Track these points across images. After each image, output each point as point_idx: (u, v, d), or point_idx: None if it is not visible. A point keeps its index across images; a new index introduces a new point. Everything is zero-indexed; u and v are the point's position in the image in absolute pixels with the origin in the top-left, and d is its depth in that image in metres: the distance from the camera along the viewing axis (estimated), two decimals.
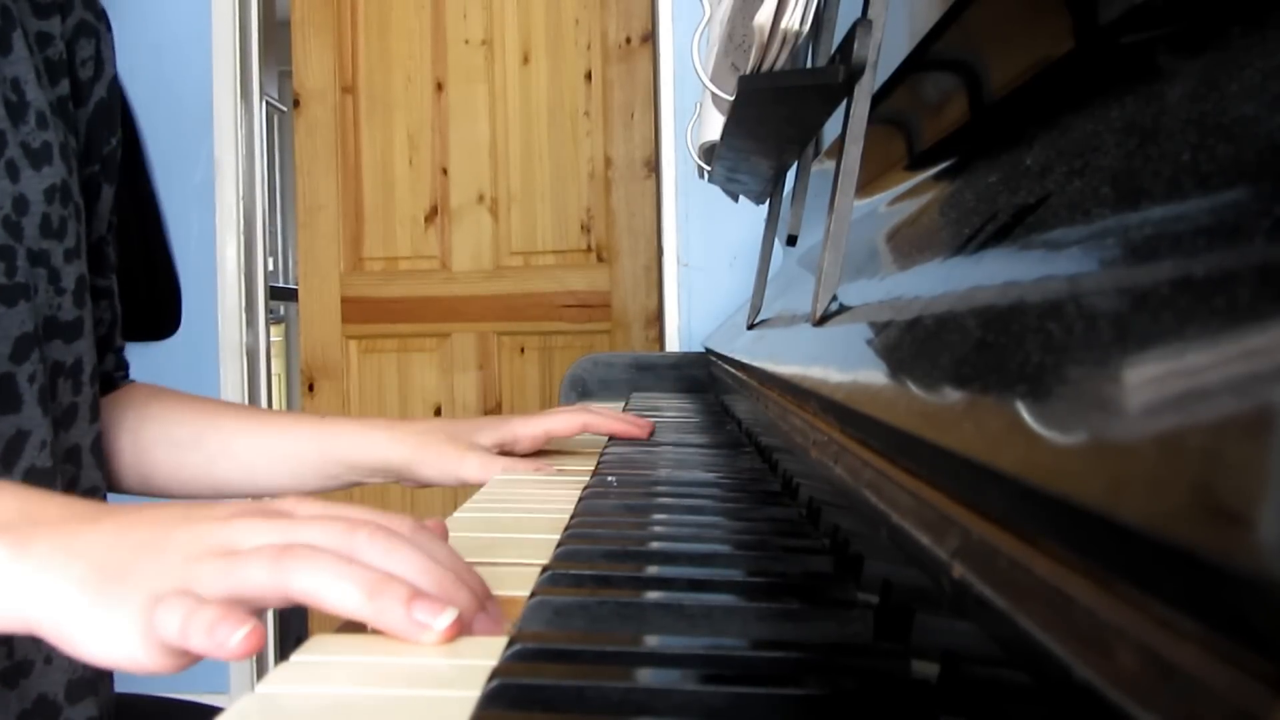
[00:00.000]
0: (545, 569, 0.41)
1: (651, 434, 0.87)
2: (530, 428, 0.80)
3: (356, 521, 0.39)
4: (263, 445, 0.78)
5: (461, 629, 0.35)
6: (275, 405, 3.48)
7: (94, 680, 0.68)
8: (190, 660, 0.37)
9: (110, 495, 0.75)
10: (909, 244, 0.47)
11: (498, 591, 0.40)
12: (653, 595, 0.38)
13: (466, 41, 2.21)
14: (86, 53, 0.72)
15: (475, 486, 0.70)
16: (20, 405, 0.64)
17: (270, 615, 2.22)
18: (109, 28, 0.75)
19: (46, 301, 0.67)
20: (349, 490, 0.88)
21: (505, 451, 0.79)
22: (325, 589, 0.36)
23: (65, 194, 0.68)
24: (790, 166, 0.86)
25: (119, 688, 0.81)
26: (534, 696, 0.29)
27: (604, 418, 0.84)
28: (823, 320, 0.50)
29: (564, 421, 0.81)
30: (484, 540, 0.51)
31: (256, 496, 0.65)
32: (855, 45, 0.48)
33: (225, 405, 0.86)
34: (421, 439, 0.75)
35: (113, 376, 0.81)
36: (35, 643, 0.64)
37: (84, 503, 0.44)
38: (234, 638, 0.34)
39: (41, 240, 0.66)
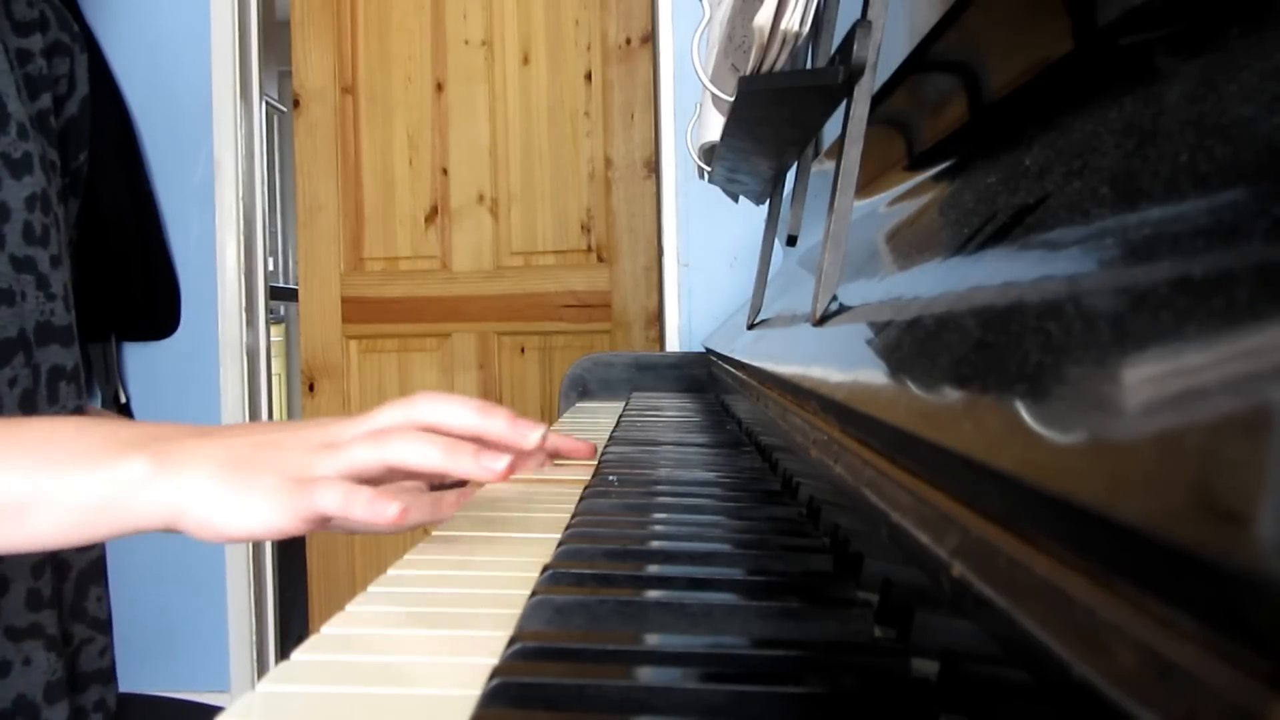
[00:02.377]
0: (546, 568, 0.42)
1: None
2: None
3: (414, 399, 0.53)
4: None
5: (514, 467, 0.49)
6: (276, 405, 3.48)
7: (68, 683, 0.69)
8: (317, 527, 0.47)
9: None
10: (909, 244, 0.47)
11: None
12: (653, 594, 0.38)
13: (466, 42, 2.21)
14: (61, 70, 0.75)
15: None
16: (0, 410, 0.65)
17: (270, 615, 2.22)
18: (83, 49, 0.78)
19: (37, 308, 0.68)
20: None
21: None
22: (413, 453, 0.48)
23: (46, 203, 0.69)
24: (790, 167, 0.86)
25: (131, 687, 0.81)
26: (535, 695, 0.29)
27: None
28: (823, 320, 0.50)
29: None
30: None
31: None
32: (855, 46, 0.48)
33: None
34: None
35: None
36: (14, 644, 0.67)
37: (183, 425, 0.54)
38: (390, 509, 0.45)
39: (26, 247, 0.67)
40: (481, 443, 0.52)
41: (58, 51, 0.74)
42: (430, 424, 0.52)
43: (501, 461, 0.49)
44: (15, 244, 0.67)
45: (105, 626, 0.76)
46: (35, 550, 0.51)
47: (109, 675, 0.76)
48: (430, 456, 0.48)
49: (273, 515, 0.47)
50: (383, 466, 0.49)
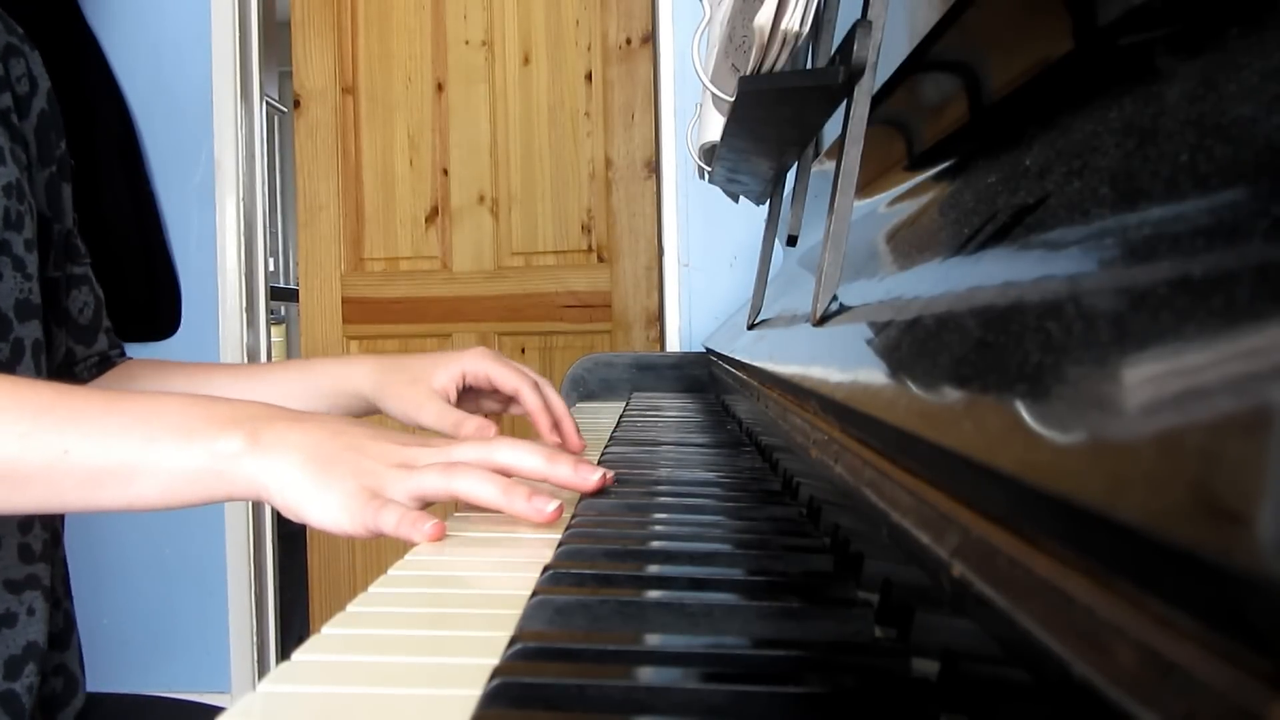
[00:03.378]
0: (546, 568, 0.42)
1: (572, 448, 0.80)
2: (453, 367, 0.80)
3: (492, 441, 0.59)
4: (254, 393, 0.82)
5: (561, 510, 0.55)
6: None
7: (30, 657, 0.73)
8: (375, 534, 0.52)
9: None
10: (909, 244, 0.47)
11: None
12: (654, 594, 0.38)
13: (467, 42, 2.21)
14: (19, 71, 0.78)
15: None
16: None
17: (271, 615, 2.22)
18: (33, 47, 0.81)
19: (16, 287, 0.73)
20: None
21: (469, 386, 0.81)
22: (475, 490, 0.54)
23: (19, 191, 0.73)
24: (790, 167, 0.86)
25: (132, 687, 0.82)
26: (535, 695, 0.29)
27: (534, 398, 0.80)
28: (823, 320, 0.50)
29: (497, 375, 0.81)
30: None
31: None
32: (855, 46, 0.48)
33: (218, 366, 0.94)
34: (386, 376, 0.80)
35: (108, 355, 0.87)
36: (15, 595, 0.72)
37: (278, 407, 0.59)
38: (426, 526, 0.52)
39: (4, 231, 0.71)
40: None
41: (10, 54, 0.77)
42: (503, 466, 0.57)
43: (552, 505, 0.55)
44: None
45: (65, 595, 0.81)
46: (136, 510, 0.56)
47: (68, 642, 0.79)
48: (490, 494, 0.55)
49: (343, 518, 0.53)
50: (449, 496, 0.55)
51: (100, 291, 0.89)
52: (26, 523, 0.73)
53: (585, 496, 0.59)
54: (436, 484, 0.54)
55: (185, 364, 0.88)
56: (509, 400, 0.82)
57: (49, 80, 0.81)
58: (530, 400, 0.79)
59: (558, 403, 0.80)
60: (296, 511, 0.54)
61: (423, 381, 0.79)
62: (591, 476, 0.59)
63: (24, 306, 0.73)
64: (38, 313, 0.74)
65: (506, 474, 0.57)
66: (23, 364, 0.73)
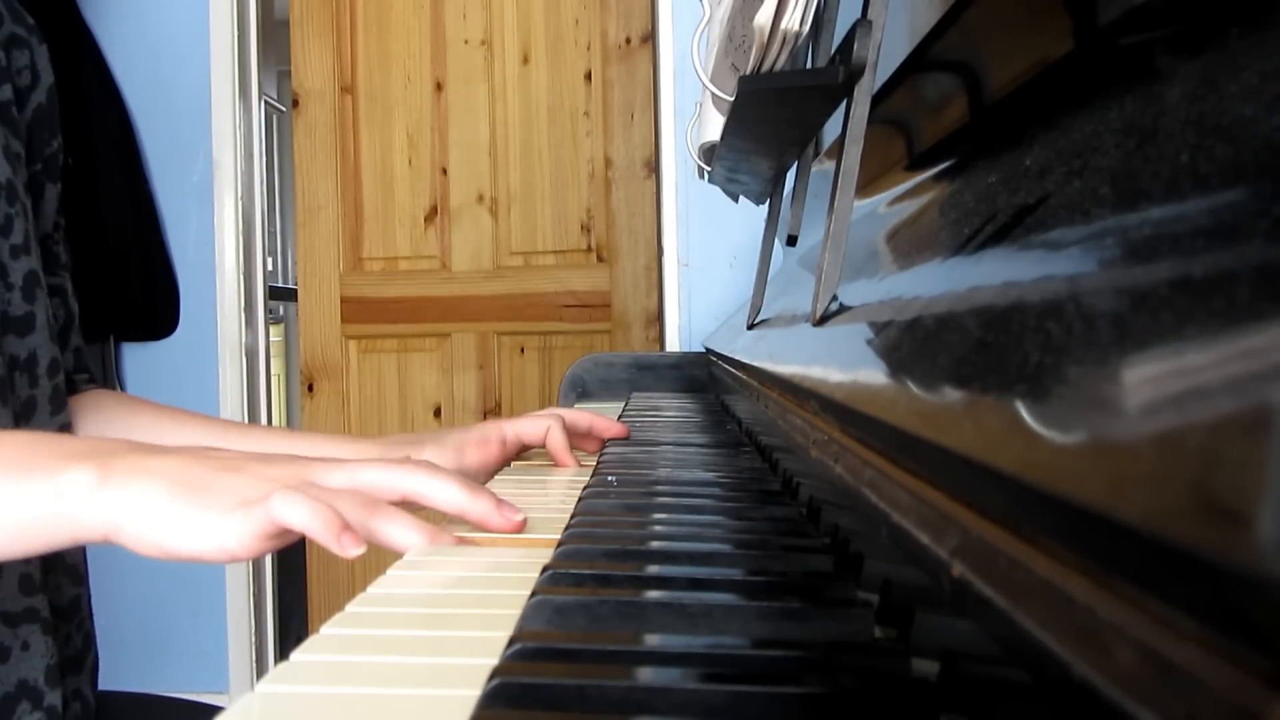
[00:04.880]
0: (546, 568, 0.41)
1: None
2: (484, 450, 0.75)
3: (407, 465, 0.51)
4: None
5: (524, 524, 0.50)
6: (275, 405, 3.48)
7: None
8: (273, 548, 0.45)
9: None
10: (909, 244, 0.47)
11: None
12: (653, 594, 0.38)
13: (466, 41, 2.21)
14: (21, 63, 0.76)
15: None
16: None
17: (270, 616, 2.21)
18: (41, 40, 0.78)
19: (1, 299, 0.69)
20: None
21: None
22: (432, 488, 0.49)
23: (11, 193, 0.70)
24: (790, 167, 0.86)
25: (130, 687, 0.82)
26: (534, 695, 0.29)
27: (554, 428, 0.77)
28: (823, 320, 0.50)
29: (531, 428, 0.77)
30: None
31: None
32: (855, 45, 0.48)
33: (195, 416, 0.83)
34: (388, 454, 0.72)
35: (71, 378, 0.81)
36: (11, 629, 0.67)
37: (137, 441, 0.51)
38: (345, 537, 0.44)
39: None
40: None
41: (15, 44, 0.75)
42: (415, 495, 0.50)
43: (520, 514, 0.50)
44: None
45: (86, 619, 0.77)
46: None
47: (87, 666, 0.77)
48: (452, 495, 0.49)
49: (227, 535, 0.44)
50: (397, 495, 0.49)
51: (75, 306, 0.82)
52: None
53: (585, 497, 0.59)
54: (378, 478, 0.48)
55: (157, 406, 0.81)
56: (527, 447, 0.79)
57: (53, 77, 0.79)
58: (556, 440, 0.76)
59: (581, 420, 0.81)
60: (156, 542, 0.45)
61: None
62: (515, 517, 0.51)
63: (2, 319, 0.69)
64: (18, 325, 0.70)
65: (419, 504, 0.51)
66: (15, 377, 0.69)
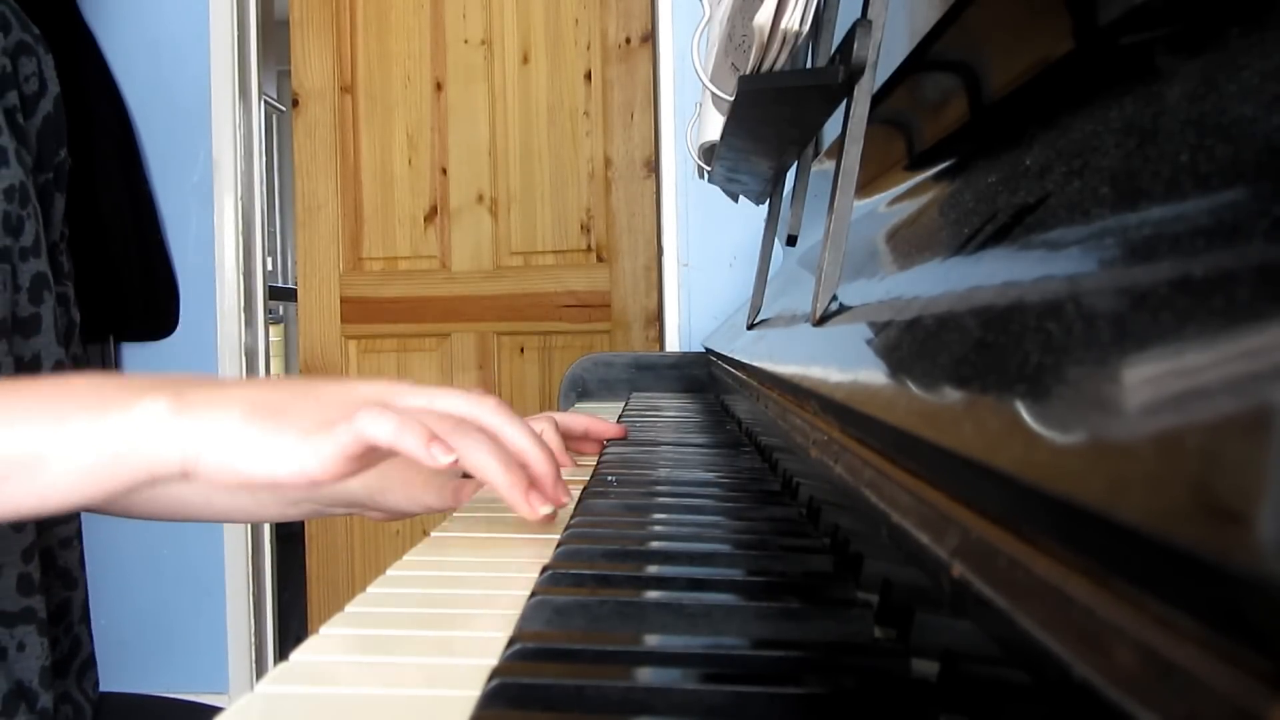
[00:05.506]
0: (545, 568, 0.41)
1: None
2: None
3: (483, 399, 0.52)
4: None
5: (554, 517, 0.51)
6: None
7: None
8: (355, 470, 0.45)
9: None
10: (909, 244, 0.47)
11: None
12: (653, 594, 0.38)
13: (466, 41, 2.21)
14: (29, 70, 0.76)
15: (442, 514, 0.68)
16: None
17: (269, 616, 2.21)
18: (47, 50, 0.78)
19: (6, 299, 0.69)
20: None
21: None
22: (480, 460, 0.48)
23: (24, 195, 0.70)
24: (790, 166, 0.86)
25: (130, 687, 0.81)
26: (534, 695, 0.29)
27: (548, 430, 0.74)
28: (823, 320, 0.50)
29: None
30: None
31: (215, 523, 0.65)
32: (855, 45, 0.48)
33: None
34: (382, 469, 0.68)
35: None
36: (8, 629, 0.67)
37: (212, 376, 0.51)
38: (445, 454, 0.44)
39: (4, 237, 0.68)
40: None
41: (22, 51, 0.75)
42: (488, 427, 0.51)
43: (546, 509, 0.51)
44: None
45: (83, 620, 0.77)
46: (50, 512, 0.48)
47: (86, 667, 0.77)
48: (492, 472, 0.48)
49: (309, 456, 0.44)
50: (474, 426, 0.49)
51: (77, 315, 0.81)
52: (29, 551, 0.69)
53: (584, 497, 0.59)
54: (439, 429, 0.46)
55: None
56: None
57: (59, 86, 0.79)
58: (550, 442, 0.75)
59: (577, 422, 0.80)
60: (235, 467, 0.45)
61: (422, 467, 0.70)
62: (562, 498, 0.53)
63: (9, 320, 0.69)
64: (24, 327, 0.71)
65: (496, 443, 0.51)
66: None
